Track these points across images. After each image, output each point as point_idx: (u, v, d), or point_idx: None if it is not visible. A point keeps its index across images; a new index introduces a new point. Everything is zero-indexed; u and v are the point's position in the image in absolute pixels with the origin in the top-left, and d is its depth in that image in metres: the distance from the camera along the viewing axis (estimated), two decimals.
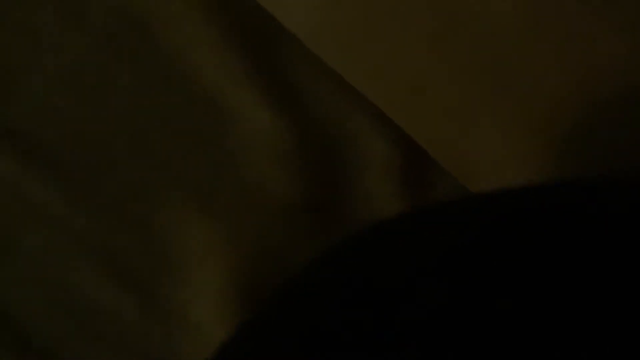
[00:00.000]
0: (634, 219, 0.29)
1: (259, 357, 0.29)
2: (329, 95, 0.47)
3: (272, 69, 0.47)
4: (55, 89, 0.48)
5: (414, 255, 0.30)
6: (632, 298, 0.27)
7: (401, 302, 0.28)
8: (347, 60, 0.46)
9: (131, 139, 0.48)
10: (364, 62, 0.46)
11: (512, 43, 0.44)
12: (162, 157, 0.48)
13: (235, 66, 0.47)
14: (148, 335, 0.48)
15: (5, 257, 0.48)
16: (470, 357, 0.26)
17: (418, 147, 0.47)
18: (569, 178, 0.33)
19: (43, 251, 0.48)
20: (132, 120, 0.48)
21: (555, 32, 0.44)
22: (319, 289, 0.31)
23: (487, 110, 0.45)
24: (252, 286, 0.48)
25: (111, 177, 0.48)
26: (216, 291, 0.48)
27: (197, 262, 0.48)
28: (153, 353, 0.48)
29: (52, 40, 0.47)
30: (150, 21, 0.47)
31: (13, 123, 0.48)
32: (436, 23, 0.45)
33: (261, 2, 0.47)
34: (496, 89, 0.45)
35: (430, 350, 0.26)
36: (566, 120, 0.44)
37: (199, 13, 0.47)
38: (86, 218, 0.48)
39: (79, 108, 0.48)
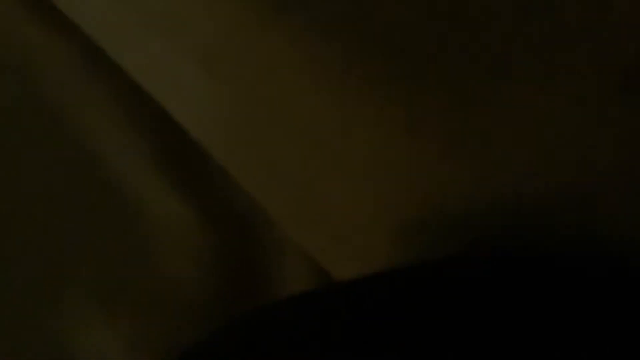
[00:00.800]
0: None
1: None
2: None
3: (183, 154, 0.45)
4: None
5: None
6: None
7: None
8: (230, 158, 0.44)
9: (28, 229, 0.45)
10: (249, 163, 0.43)
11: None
12: (62, 250, 0.45)
13: (143, 151, 0.45)
14: None
15: None
16: None
17: None
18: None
19: None
20: (31, 208, 0.45)
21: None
22: None
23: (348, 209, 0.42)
24: None
25: (3, 271, 0.45)
26: None
27: None
28: None
29: None
30: (58, 103, 0.45)
31: None
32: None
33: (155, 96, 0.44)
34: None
35: None
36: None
37: (107, 95, 0.45)
38: None
39: None
